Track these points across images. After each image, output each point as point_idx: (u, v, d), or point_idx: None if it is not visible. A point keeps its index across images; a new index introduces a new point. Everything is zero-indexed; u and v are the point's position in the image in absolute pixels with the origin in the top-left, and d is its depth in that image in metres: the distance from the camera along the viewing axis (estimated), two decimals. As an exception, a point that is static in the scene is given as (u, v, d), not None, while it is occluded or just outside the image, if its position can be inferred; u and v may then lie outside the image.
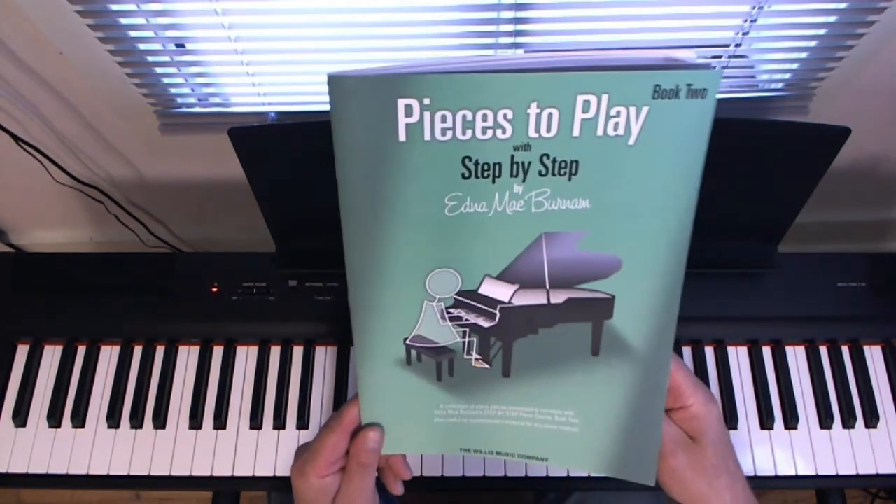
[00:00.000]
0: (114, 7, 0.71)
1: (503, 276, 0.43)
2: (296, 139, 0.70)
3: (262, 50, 0.78)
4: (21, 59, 0.79)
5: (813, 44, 0.79)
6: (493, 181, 0.39)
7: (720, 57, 0.80)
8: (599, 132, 0.36)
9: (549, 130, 0.36)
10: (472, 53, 0.82)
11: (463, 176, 0.39)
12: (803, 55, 0.81)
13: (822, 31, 0.77)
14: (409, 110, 0.36)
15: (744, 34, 0.76)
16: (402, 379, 0.48)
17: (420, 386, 0.48)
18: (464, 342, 0.47)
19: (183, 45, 0.79)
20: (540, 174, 0.38)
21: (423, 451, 0.58)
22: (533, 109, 0.36)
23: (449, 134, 0.37)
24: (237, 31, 0.75)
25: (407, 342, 0.46)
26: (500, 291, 0.44)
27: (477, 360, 0.48)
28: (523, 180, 0.39)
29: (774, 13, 0.74)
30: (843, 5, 0.73)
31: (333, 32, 0.75)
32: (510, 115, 0.36)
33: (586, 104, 0.35)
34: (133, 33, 0.75)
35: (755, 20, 0.74)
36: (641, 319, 0.44)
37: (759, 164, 0.69)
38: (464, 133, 0.37)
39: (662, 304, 0.43)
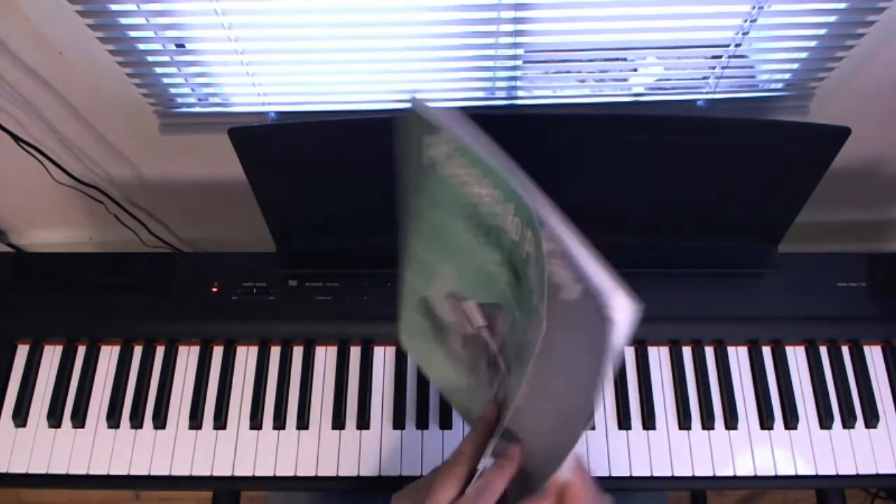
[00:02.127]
0: (114, 7, 0.71)
1: (482, 308, 0.51)
2: (296, 139, 0.70)
3: (262, 50, 0.78)
4: (21, 59, 0.79)
5: (813, 44, 0.79)
6: (483, 235, 0.46)
7: (720, 57, 0.80)
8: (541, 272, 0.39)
9: (515, 234, 0.41)
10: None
11: (465, 215, 0.46)
12: (803, 55, 0.81)
13: (822, 31, 0.77)
14: (429, 145, 0.45)
15: (744, 34, 0.76)
16: (417, 319, 0.60)
17: (427, 330, 0.60)
18: (452, 332, 0.56)
19: (183, 45, 0.79)
20: (507, 260, 0.44)
21: (420, 362, 0.70)
22: (510, 209, 0.41)
23: (459, 179, 0.44)
24: (237, 31, 0.75)
25: (421, 297, 0.58)
26: (475, 316, 0.52)
27: (456, 349, 0.56)
28: (497, 251, 0.45)
29: (774, 13, 0.74)
30: (843, 5, 0.73)
31: (333, 32, 0.75)
32: (497, 197, 0.41)
33: (531, 239, 0.39)
34: (133, 33, 0.75)
35: (755, 20, 0.74)
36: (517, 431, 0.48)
37: (760, 164, 0.69)
38: (465, 187, 0.44)
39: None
